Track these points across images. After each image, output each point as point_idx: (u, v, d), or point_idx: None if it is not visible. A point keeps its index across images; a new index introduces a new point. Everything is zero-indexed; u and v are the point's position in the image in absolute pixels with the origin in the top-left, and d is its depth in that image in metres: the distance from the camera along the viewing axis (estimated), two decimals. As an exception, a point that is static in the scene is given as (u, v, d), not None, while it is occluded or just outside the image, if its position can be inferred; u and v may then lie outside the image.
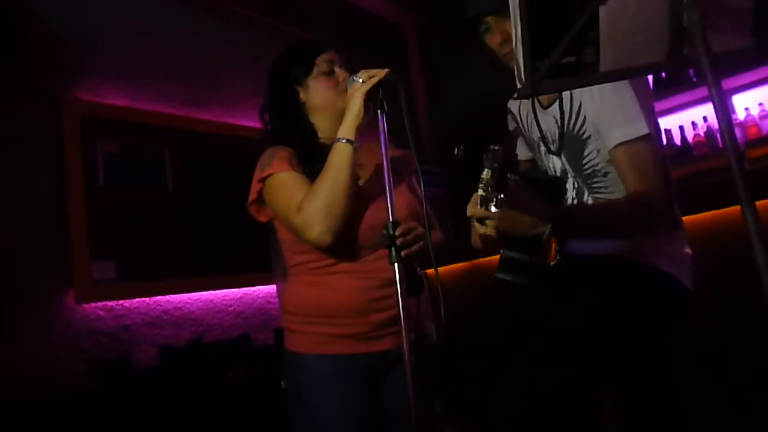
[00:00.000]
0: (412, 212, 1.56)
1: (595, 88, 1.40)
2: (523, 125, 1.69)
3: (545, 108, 1.56)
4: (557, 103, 1.50)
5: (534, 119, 1.57)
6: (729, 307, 2.04)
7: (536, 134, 1.60)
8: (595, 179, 1.48)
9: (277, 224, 1.61)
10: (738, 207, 0.83)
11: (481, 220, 1.27)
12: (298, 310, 1.55)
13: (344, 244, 1.48)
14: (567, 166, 1.54)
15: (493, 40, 1.52)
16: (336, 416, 1.45)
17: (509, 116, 1.77)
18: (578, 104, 1.46)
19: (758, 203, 0.84)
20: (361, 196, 1.52)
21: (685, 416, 1.53)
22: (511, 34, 1.48)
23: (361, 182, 1.57)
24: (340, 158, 1.44)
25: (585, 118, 1.46)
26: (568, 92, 1.47)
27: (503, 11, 1.48)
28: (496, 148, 1.16)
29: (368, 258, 1.51)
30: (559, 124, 1.50)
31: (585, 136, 1.47)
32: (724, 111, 0.86)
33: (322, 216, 1.40)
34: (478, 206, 1.23)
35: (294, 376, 1.53)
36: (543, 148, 1.59)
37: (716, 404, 2.07)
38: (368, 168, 1.63)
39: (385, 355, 1.51)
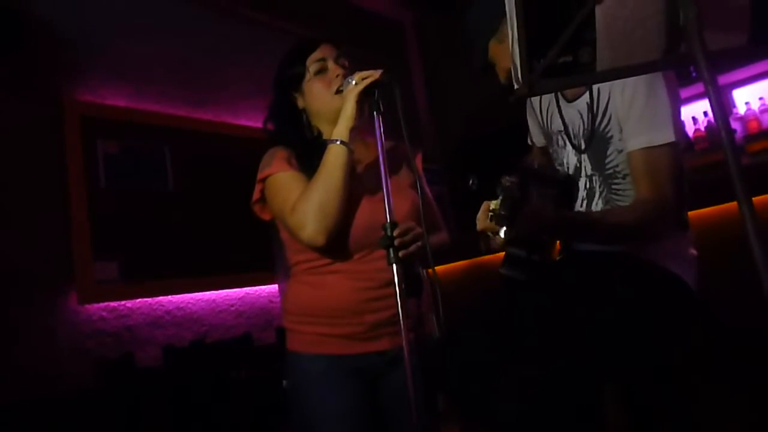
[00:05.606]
0: (415, 212, 1.51)
1: (628, 83, 1.35)
2: (541, 114, 1.66)
3: (570, 101, 1.52)
4: (584, 97, 1.47)
5: (557, 111, 1.56)
6: (729, 302, 2.04)
7: (557, 126, 1.57)
8: (615, 180, 1.45)
9: (279, 223, 1.61)
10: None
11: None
12: (296, 309, 1.56)
13: (340, 244, 1.48)
14: (586, 164, 1.50)
15: (499, 74, 1.58)
16: (331, 413, 1.46)
17: (528, 105, 1.73)
18: (606, 100, 1.41)
19: (759, 198, 0.84)
20: (358, 196, 1.51)
21: (687, 407, 1.54)
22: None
23: (359, 182, 1.55)
24: (333, 160, 1.44)
25: (611, 116, 1.41)
26: (596, 86, 1.43)
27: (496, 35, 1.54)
28: (511, 180, 1.17)
29: (364, 258, 1.51)
30: (585, 120, 1.47)
31: (609, 135, 1.43)
32: (721, 109, 0.86)
33: (314, 216, 1.41)
34: (488, 222, 1.31)
35: (293, 375, 1.54)
36: (561, 141, 1.56)
37: (717, 396, 2.07)
38: (369, 167, 1.61)
39: (382, 356, 1.51)
